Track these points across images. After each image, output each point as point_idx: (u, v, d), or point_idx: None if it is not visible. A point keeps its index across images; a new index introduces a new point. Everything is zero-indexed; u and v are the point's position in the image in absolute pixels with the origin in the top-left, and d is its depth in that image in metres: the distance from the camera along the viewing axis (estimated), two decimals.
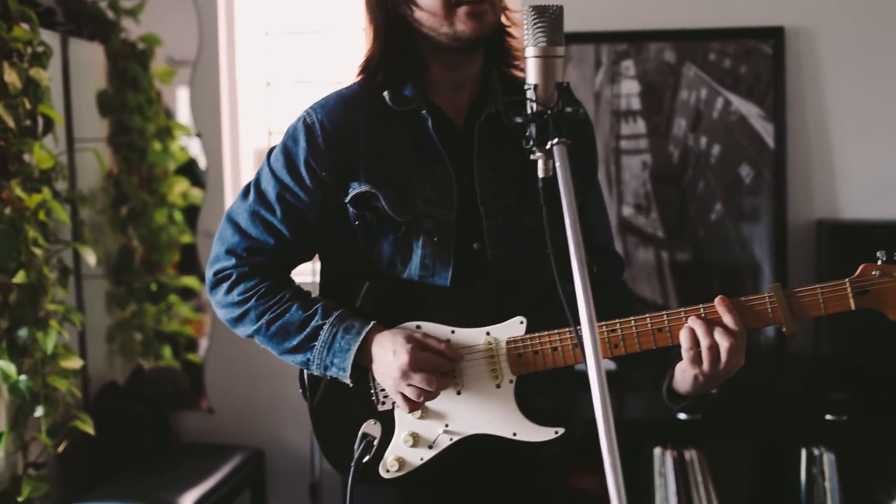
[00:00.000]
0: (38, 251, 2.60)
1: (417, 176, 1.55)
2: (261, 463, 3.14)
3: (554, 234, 1.28)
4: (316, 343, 1.53)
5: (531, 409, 1.56)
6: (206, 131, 3.31)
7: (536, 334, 1.54)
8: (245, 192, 1.59)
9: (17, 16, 2.59)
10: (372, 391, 1.58)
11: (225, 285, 1.57)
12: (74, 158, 3.10)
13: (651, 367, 1.60)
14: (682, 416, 2.57)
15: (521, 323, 1.55)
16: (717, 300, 1.48)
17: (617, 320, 1.53)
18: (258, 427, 3.19)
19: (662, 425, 2.61)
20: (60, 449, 2.71)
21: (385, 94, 1.55)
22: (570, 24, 2.86)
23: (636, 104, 2.92)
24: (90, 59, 3.20)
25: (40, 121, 2.69)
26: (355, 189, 1.54)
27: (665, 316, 1.51)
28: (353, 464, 1.53)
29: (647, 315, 1.51)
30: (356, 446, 1.56)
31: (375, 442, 1.56)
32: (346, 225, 1.58)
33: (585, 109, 1.73)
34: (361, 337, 1.51)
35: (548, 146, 1.24)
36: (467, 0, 1.46)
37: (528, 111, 1.29)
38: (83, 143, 3.11)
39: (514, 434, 1.55)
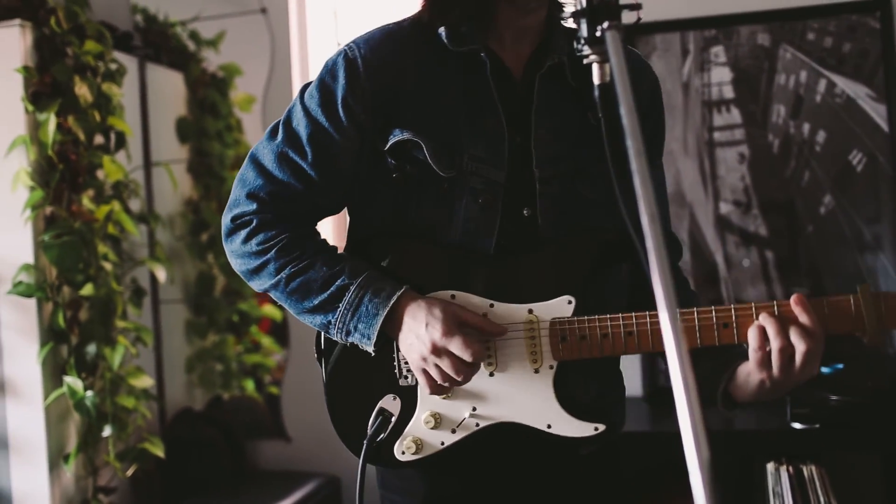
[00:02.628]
0: (107, 265, 2.56)
1: (467, 128, 1.38)
2: (337, 490, 2.98)
3: (619, 167, 1.09)
4: (340, 305, 1.35)
5: (570, 400, 1.36)
6: None
7: (585, 317, 1.34)
8: (272, 132, 1.43)
9: (92, 34, 2.61)
10: (395, 363, 1.40)
11: (243, 232, 1.40)
12: (151, 180, 3.09)
13: (706, 365, 1.37)
14: (797, 425, 2.27)
15: (570, 303, 1.35)
16: (793, 298, 1.27)
17: (646, 313, 1.32)
18: (335, 455, 3.01)
19: (775, 437, 2.30)
20: (130, 472, 2.62)
21: (441, 30, 1.39)
22: (653, 14, 2.72)
23: (729, 92, 2.69)
24: (168, 84, 3.21)
25: (112, 136, 2.68)
26: (396, 136, 1.38)
27: (732, 310, 1.30)
28: (365, 441, 1.35)
29: (713, 307, 1.30)
30: (370, 422, 1.38)
31: (393, 419, 1.38)
32: (382, 176, 1.41)
33: (656, 75, 1.56)
34: (391, 302, 1.34)
35: (598, 33, 1.07)
36: None
37: (577, 5, 1.12)
38: (161, 165, 3.10)
39: (549, 426, 1.35)
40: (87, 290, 2.47)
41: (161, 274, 2.76)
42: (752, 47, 2.67)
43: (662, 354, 1.25)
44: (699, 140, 2.70)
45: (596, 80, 1.12)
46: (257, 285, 1.43)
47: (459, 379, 1.30)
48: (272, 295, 1.42)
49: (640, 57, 1.56)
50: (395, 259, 1.40)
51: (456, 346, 1.28)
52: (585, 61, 1.11)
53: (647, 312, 1.31)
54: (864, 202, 2.60)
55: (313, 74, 3.24)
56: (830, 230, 2.62)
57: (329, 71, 1.41)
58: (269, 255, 1.38)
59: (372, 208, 1.44)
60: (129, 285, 2.78)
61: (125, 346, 2.55)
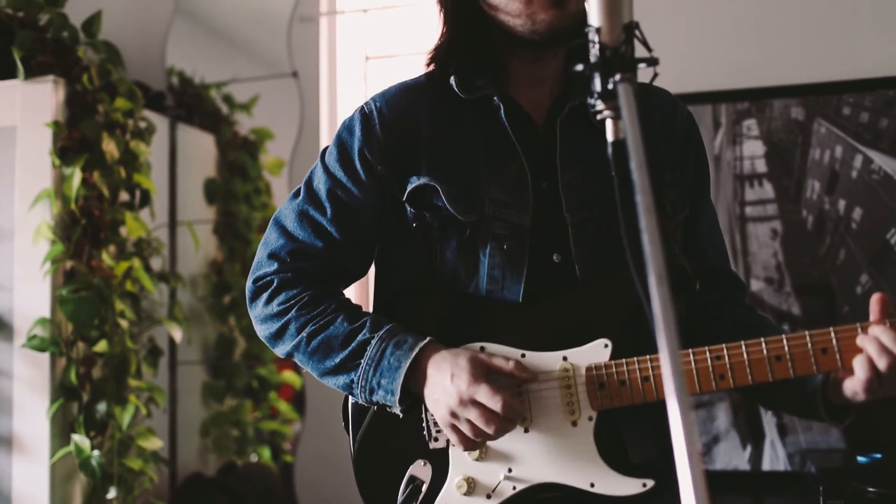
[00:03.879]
0: (123, 323, 2.53)
1: (486, 172, 1.35)
2: None
3: (629, 218, 1.04)
4: (361, 361, 1.30)
5: (614, 454, 1.27)
6: None
7: (623, 360, 1.26)
8: (295, 193, 1.43)
9: (124, 92, 2.64)
10: (424, 423, 1.32)
11: (265, 294, 1.38)
12: (176, 239, 3.08)
13: (786, 398, 1.31)
14: None
15: (606, 347, 1.28)
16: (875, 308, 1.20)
17: (723, 345, 1.24)
18: None
19: None
20: None
21: (452, 79, 1.37)
22: (685, 86, 2.69)
23: (762, 166, 2.63)
24: (199, 145, 3.23)
25: (137, 193, 2.68)
26: (414, 183, 1.35)
27: (784, 341, 1.22)
28: None
29: (762, 339, 1.22)
30: (401, 491, 1.30)
31: (424, 487, 1.30)
32: (404, 229, 1.37)
33: (688, 109, 1.51)
34: (414, 353, 1.28)
35: (610, 86, 1.02)
36: None
37: (591, 59, 1.07)
38: (188, 224, 3.10)
39: (592, 485, 1.26)
40: (101, 346, 2.43)
41: (177, 334, 2.72)
42: (786, 121, 2.62)
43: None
44: (731, 214, 2.63)
45: (609, 136, 1.07)
46: (281, 350, 1.39)
47: (491, 431, 1.22)
48: (296, 359, 1.37)
49: (669, 94, 1.52)
50: (420, 313, 1.35)
51: (483, 396, 1.21)
52: (599, 117, 1.07)
53: (690, 350, 1.23)
54: None
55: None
56: (868, 311, 2.51)
57: (347, 128, 1.41)
58: (290, 315, 1.35)
59: (396, 264, 1.41)
60: (145, 344, 2.75)
61: (136, 406, 2.50)
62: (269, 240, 1.41)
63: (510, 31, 1.34)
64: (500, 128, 1.36)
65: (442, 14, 1.41)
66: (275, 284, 1.37)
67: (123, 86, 2.65)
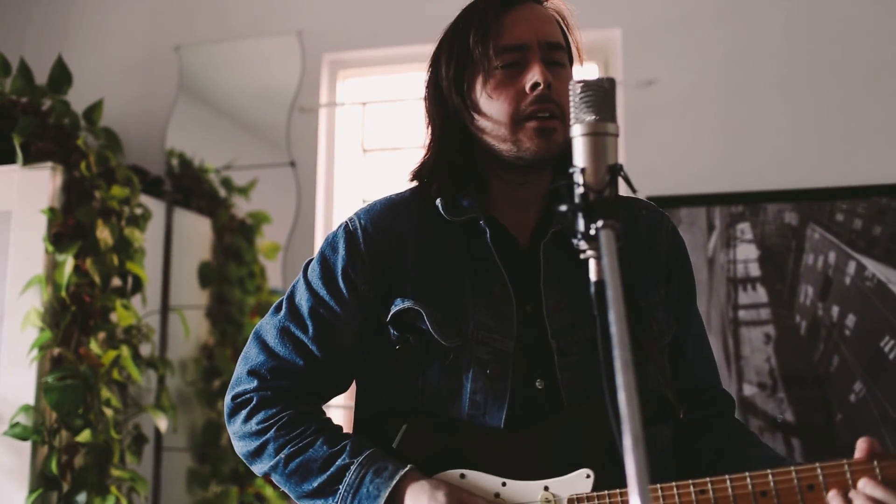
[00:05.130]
0: (108, 412, 2.50)
1: (471, 296, 1.34)
2: None
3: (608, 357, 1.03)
4: (340, 486, 1.28)
5: None
6: None
7: (606, 492, 1.24)
8: (276, 307, 1.42)
9: (121, 178, 2.65)
10: None
11: (244, 412, 1.36)
12: (168, 324, 3.06)
13: None
14: None
15: (588, 477, 1.25)
16: (861, 447, 1.15)
17: (708, 479, 1.22)
18: None
19: None
20: None
21: (438, 201, 1.38)
22: (679, 188, 2.71)
23: (755, 270, 2.63)
24: (195, 229, 3.24)
25: (129, 280, 2.67)
26: (398, 306, 1.34)
27: (770, 476, 1.20)
28: None
29: (747, 474, 1.20)
30: None
31: None
32: (386, 350, 1.36)
33: (672, 222, 1.51)
34: (394, 482, 1.25)
35: (592, 231, 1.02)
36: (537, 115, 1.30)
37: (574, 199, 1.08)
38: (179, 310, 3.08)
39: None
40: (85, 436, 2.39)
41: (163, 424, 2.69)
42: (780, 226, 2.63)
43: None
44: (724, 318, 2.62)
45: (592, 276, 1.06)
46: (258, 469, 1.37)
47: None
48: (273, 479, 1.35)
49: (654, 207, 1.51)
50: (402, 438, 1.33)
51: None
52: (582, 256, 1.06)
53: (675, 483, 1.21)
54: None
55: (338, 214, 3.27)
56: (861, 418, 2.48)
57: (330, 244, 1.40)
58: (268, 435, 1.33)
59: (378, 385, 1.39)
60: (130, 431, 2.71)
61: (116, 497, 2.45)
62: (250, 355, 1.39)
63: (496, 154, 1.35)
64: (485, 250, 1.35)
65: (430, 130, 1.42)
66: (254, 402, 1.36)
67: (121, 172, 2.67)
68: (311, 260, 1.43)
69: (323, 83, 3.20)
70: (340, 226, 1.41)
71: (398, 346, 1.34)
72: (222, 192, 3.41)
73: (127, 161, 3.18)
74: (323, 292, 1.37)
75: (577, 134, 1.08)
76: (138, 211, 2.72)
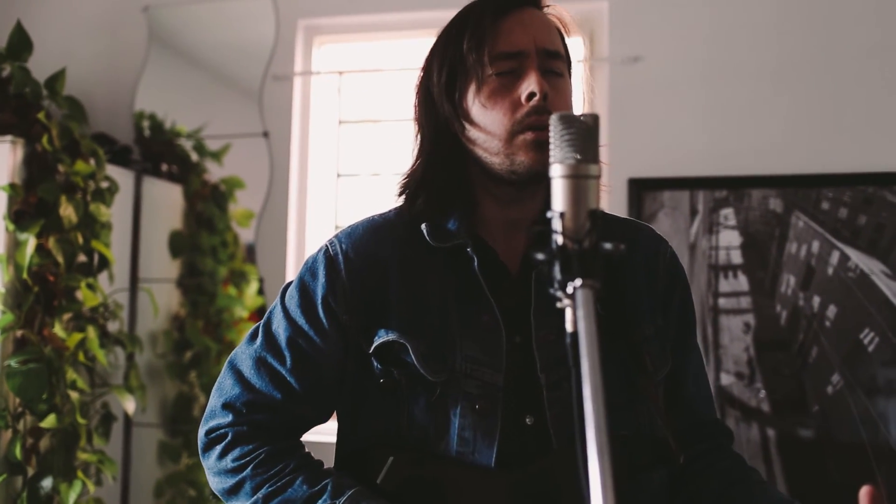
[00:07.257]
0: (74, 395, 2.44)
1: (459, 326, 1.26)
2: None
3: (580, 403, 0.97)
4: None
5: None
6: (269, 277, 3.12)
7: None
8: (252, 335, 1.34)
9: (86, 152, 2.55)
10: None
11: (218, 448, 1.28)
12: (137, 297, 2.99)
13: None
14: None
15: None
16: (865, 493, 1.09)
17: None
18: None
19: None
20: None
21: (423, 226, 1.30)
22: (663, 170, 2.64)
23: (737, 257, 2.58)
24: (164, 198, 3.14)
25: (96, 257, 2.59)
26: (381, 338, 1.26)
27: None
28: None
29: None
30: None
31: None
32: (369, 382, 1.28)
33: (672, 248, 1.44)
34: None
35: (570, 290, 0.95)
36: (534, 126, 1.22)
37: (553, 245, 1.00)
38: (148, 283, 3.00)
39: None
40: (50, 422, 2.34)
41: (130, 406, 2.63)
42: (764, 212, 2.57)
43: None
44: (703, 305, 2.58)
45: (568, 327, 1.00)
46: None
47: None
48: None
49: (652, 231, 1.43)
50: (386, 476, 1.25)
51: None
52: (558, 305, 1.00)
53: None
54: (875, 385, 2.45)
55: (311, 200, 3.18)
56: (838, 410, 2.47)
57: (309, 269, 1.32)
58: (244, 473, 1.25)
59: (360, 418, 1.31)
60: (98, 410, 2.65)
61: (82, 482, 2.41)
62: (224, 387, 1.32)
63: (487, 168, 1.27)
64: (473, 279, 1.28)
65: (419, 139, 1.34)
66: (229, 438, 1.28)
67: (86, 144, 2.56)
68: (289, 284, 1.35)
69: (298, 50, 3.08)
70: (320, 249, 1.33)
71: (382, 380, 1.27)
72: (194, 157, 3.31)
73: (93, 128, 3.07)
74: (302, 321, 1.29)
75: (557, 175, 1.00)
76: (104, 185, 2.63)
